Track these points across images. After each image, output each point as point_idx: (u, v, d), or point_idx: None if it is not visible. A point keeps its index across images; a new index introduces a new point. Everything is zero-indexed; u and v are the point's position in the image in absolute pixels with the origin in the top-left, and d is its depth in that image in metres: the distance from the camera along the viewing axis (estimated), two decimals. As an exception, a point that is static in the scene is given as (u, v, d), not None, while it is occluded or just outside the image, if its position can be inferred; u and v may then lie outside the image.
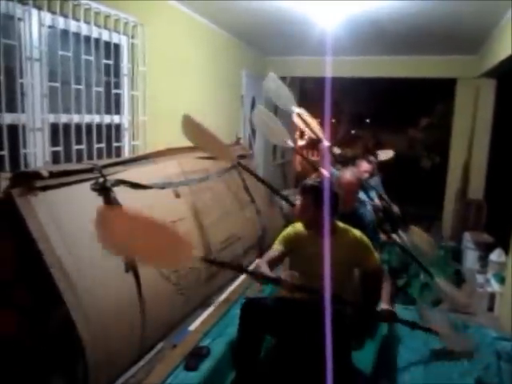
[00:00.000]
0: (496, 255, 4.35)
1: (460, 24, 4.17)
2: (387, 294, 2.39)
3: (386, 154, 4.96)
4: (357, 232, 2.46)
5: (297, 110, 3.62)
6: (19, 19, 2.40)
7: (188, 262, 2.50)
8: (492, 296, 3.92)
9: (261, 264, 2.28)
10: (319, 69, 6.14)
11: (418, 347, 2.90)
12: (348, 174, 3.15)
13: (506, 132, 5.49)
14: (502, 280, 3.92)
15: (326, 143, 3.57)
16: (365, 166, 4.35)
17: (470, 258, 4.96)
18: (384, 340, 2.81)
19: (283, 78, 7.53)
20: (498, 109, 5.71)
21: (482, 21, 4.05)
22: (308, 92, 9.37)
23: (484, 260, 4.70)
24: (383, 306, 2.32)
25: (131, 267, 2.32)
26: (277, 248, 2.44)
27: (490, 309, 3.90)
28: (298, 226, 2.49)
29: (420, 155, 10.60)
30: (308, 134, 3.68)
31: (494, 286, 3.97)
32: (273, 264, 2.36)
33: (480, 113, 5.84)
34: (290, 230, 2.50)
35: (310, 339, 2.10)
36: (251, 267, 3.08)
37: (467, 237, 5.17)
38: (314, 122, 3.63)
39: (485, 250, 4.78)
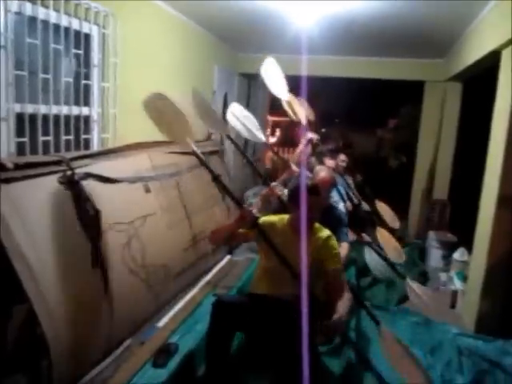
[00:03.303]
0: (459, 254, 4.49)
1: (429, 29, 4.28)
2: (343, 307, 2.24)
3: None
4: (327, 232, 2.50)
5: (286, 98, 3.79)
6: (-17, 4, 2.30)
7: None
8: (454, 294, 4.04)
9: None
10: (292, 67, 6.13)
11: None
12: (323, 172, 3.20)
13: (469, 135, 5.67)
14: (464, 278, 4.04)
15: (309, 135, 3.66)
16: (329, 162, 4.41)
17: (434, 256, 5.11)
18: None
19: (255, 75, 7.56)
20: (464, 112, 5.89)
21: (450, 27, 4.17)
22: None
23: (447, 259, 4.85)
24: (335, 316, 2.14)
25: (99, 262, 2.28)
26: None
27: (453, 306, 4.02)
28: (274, 217, 2.58)
29: (388, 155, 10.81)
30: (296, 117, 3.74)
31: (457, 284, 4.09)
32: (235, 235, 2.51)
33: (446, 115, 6.01)
34: (264, 218, 2.54)
35: (279, 335, 2.11)
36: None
37: (432, 236, 5.32)
38: (301, 110, 3.74)
39: (448, 248, 4.93)
